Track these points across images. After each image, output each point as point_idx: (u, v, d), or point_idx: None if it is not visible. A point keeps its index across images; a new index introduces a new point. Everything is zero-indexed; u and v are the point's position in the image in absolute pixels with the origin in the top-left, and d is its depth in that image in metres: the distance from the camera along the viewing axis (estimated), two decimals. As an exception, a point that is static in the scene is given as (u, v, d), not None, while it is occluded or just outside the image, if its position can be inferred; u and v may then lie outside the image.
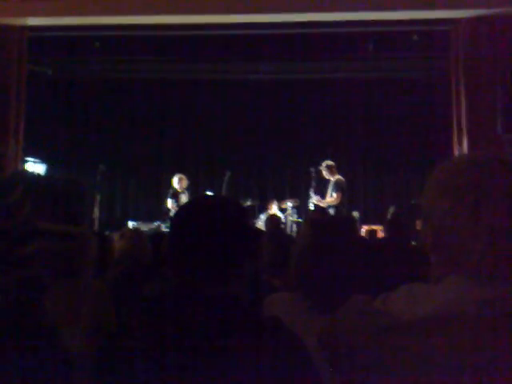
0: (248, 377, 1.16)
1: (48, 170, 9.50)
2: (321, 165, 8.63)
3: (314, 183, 8.96)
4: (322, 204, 8.41)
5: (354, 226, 2.13)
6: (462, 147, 6.82)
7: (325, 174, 8.57)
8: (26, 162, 8.98)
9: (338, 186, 8.31)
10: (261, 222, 8.64)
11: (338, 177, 8.45)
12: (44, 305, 1.21)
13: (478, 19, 6.59)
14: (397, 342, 0.93)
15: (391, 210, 8.76)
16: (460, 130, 6.88)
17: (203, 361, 1.19)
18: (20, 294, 1.12)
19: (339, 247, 1.91)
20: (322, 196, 8.57)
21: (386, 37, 8.12)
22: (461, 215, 0.96)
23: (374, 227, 8.32)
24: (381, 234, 7.85)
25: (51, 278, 1.29)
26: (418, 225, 7.36)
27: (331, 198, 8.35)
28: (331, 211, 8.15)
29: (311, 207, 8.78)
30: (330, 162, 8.60)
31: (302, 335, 1.28)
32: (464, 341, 0.89)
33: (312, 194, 8.60)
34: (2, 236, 1.03)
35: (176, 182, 9.01)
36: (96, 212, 8.68)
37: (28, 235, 1.13)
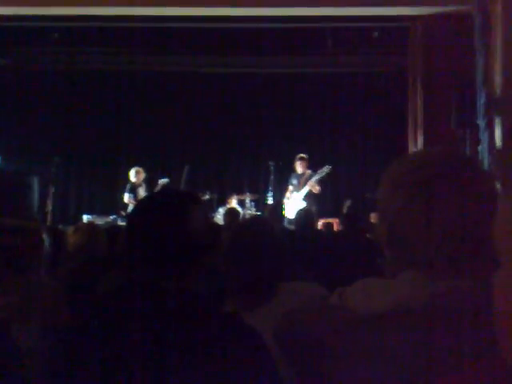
0: (205, 372, 1.15)
1: (1, 162, 9.25)
2: (295, 157, 8.69)
3: (272, 177, 9.00)
4: (314, 190, 8.45)
5: (266, 224, 2.15)
6: (416, 142, 6.95)
7: (298, 166, 8.64)
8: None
9: (317, 179, 8.46)
10: (219, 216, 8.63)
11: (310, 170, 8.59)
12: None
13: (436, 16, 6.71)
14: (354, 337, 0.93)
15: (347, 203, 8.87)
16: (415, 125, 7.01)
17: (159, 356, 1.18)
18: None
19: (257, 246, 1.91)
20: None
21: (346, 33, 8.20)
22: (414, 213, 0.97)
23: (330, 220, 8.42)
24: (337, 227, 7.96)
25: (1, 273, 1.26)
26: (373, 218, 7.49)
27: (317, 187, 8.45)
28: (308, 202, 8.23)
29: (269, 201, 8.83)
30: (304, 155, 8.69)
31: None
32: (416, 335, 0.90)
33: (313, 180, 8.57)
34: None
35: (133, 175, 8.91)
36: (49, 205, 8.49)
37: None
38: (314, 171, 8.57)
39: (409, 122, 7.29)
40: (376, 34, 8.33)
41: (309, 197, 8.48)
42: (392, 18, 7.28)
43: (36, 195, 7.71)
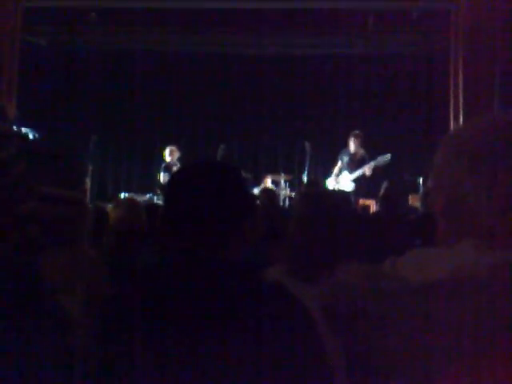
0: (248, 342, 1.14)
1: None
2: (350, 135, 8.52)
3: (308, 158, 8.93)
4: (367, 172, 8.27)
5: (347, 199, 2.14)
6: (458, 123, 6.81)
7: (352, 143, 8.44)
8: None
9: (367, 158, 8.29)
10: (254, 196, 8.62)
11: (363, 150, 8.44)
12: (42, 268, 1.19)
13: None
14: (409, 306, 0.91)
15: (384, 184, 8.75)
16: (457, 107, 6.87)
17: (201, 326, 1.18)
18: (17, 255, 1.10)
19: (330, 219, 1.91)
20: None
21: (387, 13, 8.04)
22: (476, 181, 0.93)
23: (367, 202, 8.34)
24: (373, 209, 7.88)
25: (48, 242, 1.27)
26: (411, 200, 7.39)
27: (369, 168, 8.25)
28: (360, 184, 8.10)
29: (305, 181, 8.77)
30: (357, 132, 8.51)
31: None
32: (477, 304, 0.87)
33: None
34: None
35: (168, 154, 8.95)
36: (88, 183, 8.61)
37: (23, 195, 1.10)
38: (372, 156, 8.39)
39: (450, 104, 7.14)
40: (416, 14, 8.15)
41: (359, 179, 8.35)
42: None
43: (84, 165, 7.83)
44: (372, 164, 8.25)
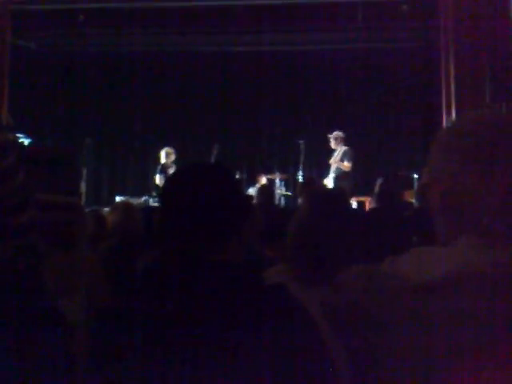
0: (253, 344, 1.14)
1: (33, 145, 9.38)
2: (330, 134, 8.61)
3: (302, 156, 8.94)
4: (343, 168, 8.40)
5: (347, 198, 2.14)
6: (450, 117, 6.82)
7: (332, 143, 8.57)
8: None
9: (350, 155, 8.37)
10: (249, 195, 8.62)
11: (346, 147, 8.49)
12: (42, 273, 1.20)
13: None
14: (411, 304, 0.91)
15: (379, 181, 8.77)
16: (448, 100, 6.88)
17: (205, 330, 1.18)
18: (17, 262, 1.10)
19: (337, 218, 1.91)
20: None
21: (376, 6, 8.05)
22: (473, 174, 0.93)
23: (362, 198, 8.36)
24: (368, 206, 7.89)
25: (48, 248, 1.27)
26: (406, 195, 7.41)
27: (348, 164, 8.37)
28: (342, 180, 8.17)
29: (300, 180, 8.78)
30: (339, 132, 8.61)
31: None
32: (478, 302, 0.87)
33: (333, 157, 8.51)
34: None
35: (163, 156, 8.94)
36: (83, 187, 8.60)
37: (23, 204, 1.11)
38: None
39: (442, 97, 7.15)
40: (405, 7, 8.17)
41: (339, 175, 8.41)
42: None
43: (79, 170, 7.81)
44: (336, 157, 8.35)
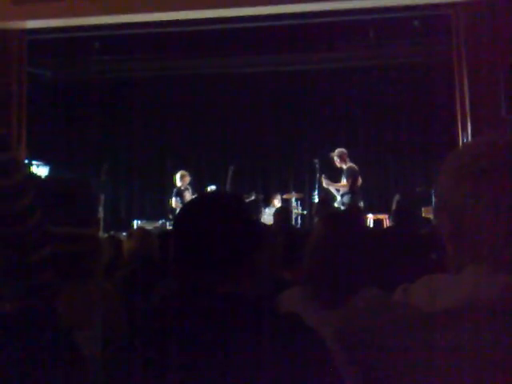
0: (266, 377, 1.14)
1: (52, 172, 9.50)
2: (333, 152, 8.48)
3: (318, 175, 8.91)
4: (332, 188, 8.30)
5: (362, 218, 2.12)
6: (467, 133, 6.77)
7: (336, 161, 8.40)
8: (30, 165, 8.97)
9: (348, 173, 8.16)
10: (265, 216, 8.62)
11: (350, 164, 8.31)
12: (57, 309, 1.21)
13: (478, 1, 6.53)
14: (422, 334, 0.90)
15: (396, 198, 8.72)
16: (464, 114, 6.84)
17: (216, 361, 1.17)
18: (32, 299, 1.11)
19: (353, 240, 1.90)
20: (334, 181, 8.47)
21: (387, 23, 8.06)
22: (480, 204, 0.92)
23: (380, 216, 8.31)
24: (386, 223, 7.84)
25: (64, 280, 1.29)
26: (424, 212, 7.35)
27: (342, 182, 8.23)
28: (345, 198, 8.07)
29: (316, 199, 8.75)
30: (342, 150, 8.45)
31: (317, 330, 1.26)
32: (490, 331, 0.86)
33: (323, 178, 8.41)
34: (13, 243, 1.02)
35: (178, 179, 8.99)
36: (101, 212, 8.66)
37: (40, 241, 1.12)
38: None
39: (457, 113, 7.11)
40: (416, 23, 8.16)
41: (343, 194, 8.24)
42: (432, 6, 7.14)
43: (96, 199, 7.87)
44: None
